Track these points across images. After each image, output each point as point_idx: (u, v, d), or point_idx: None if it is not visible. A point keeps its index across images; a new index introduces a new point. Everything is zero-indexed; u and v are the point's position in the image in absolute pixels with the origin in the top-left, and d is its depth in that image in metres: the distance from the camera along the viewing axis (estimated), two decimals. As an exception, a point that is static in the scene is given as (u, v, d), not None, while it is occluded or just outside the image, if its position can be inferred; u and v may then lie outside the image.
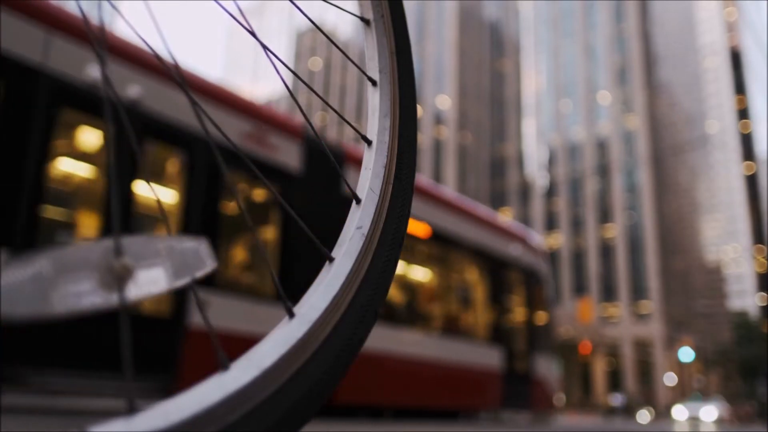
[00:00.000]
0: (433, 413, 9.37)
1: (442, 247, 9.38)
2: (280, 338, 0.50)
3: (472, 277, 10.10)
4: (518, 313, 10.87)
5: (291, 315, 0.53)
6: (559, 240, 66.08)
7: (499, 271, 10.35)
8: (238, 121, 6.39)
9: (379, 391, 7.79)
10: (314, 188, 7.00)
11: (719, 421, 35.14)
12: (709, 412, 37.22)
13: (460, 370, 9.12)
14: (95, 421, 0.40)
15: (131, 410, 0.37)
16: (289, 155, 6.77)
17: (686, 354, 45.14)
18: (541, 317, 11.38)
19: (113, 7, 0.57)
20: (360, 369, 7.19)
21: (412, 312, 8.93)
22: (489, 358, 9.72)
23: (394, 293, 8.64)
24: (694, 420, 36.50)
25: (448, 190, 54.89)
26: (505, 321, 10.52)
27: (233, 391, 0.42)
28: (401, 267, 8.75)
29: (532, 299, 11.13)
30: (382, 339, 7.84)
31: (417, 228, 8.71)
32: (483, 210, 10.91)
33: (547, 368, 11.30)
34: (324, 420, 6.53)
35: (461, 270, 9.99)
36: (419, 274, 9.22)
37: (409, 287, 9.05)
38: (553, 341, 12.29)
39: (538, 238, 12.51)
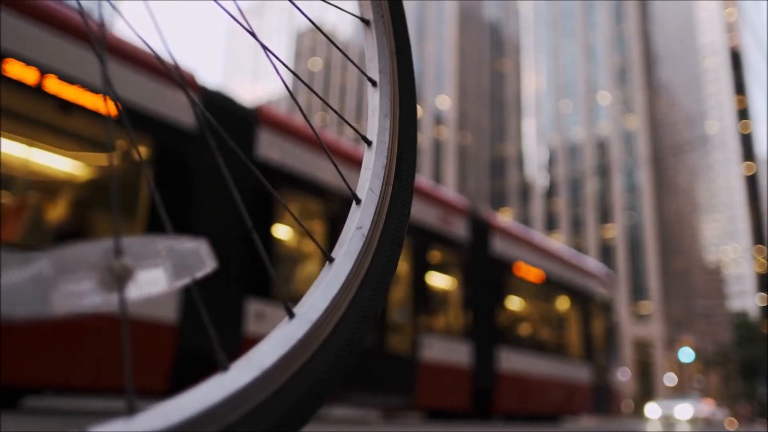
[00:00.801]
0: (541, 418, 11.71)
1: (551, 288, 12.08)
2: (280, 338, 0.50)
3: (568, 309, 12.67)
4: (598, 335, 13.38)
5: (291, 315, 0.53)
6: (559, 240, 66.08)
7: (585, 304, 13.00)
8: (435, 209, 8.74)
9: (520, 402, 10.27)
10: (474, 251, 9.26)
11: (694, 421, 32.73)
12: (684, 410, 34.02)
13: (564, 383, 11.71)
14: (95, 421, 0.40)
15: (131, 410, 0.37)
16: (459, 228, 9.04)
17: (686, 354, 45.03)
18: (612, 337, 14.01)
19: (113, 7, 0.57)
20: (511, 384, 9.97)
21: (535, 340, 11.37)
22: (582, 373, 12.40)
23: (525, 325, 11.37)
24: (667, 418, 33.94)
25: (449, 190, 54.89)
26: (591, 342, 13.01)
27: (233, 391, 0.42)
28: (530, 305, 11.52)
29: (606, 323, 13.74)
30: (523, 362, 10.48)
31: (536, 274, 11.47)
32: (575, 256, 13.73)
33: (619, 379, 14.17)
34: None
35: (562, 304, 12.54)
36: (538, 310, 11.81)
37: (533, 320, 11.65)
38: (621, 357, 15.31)
39: (610, 275, 15.35)
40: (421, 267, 8.68)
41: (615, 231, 64.30)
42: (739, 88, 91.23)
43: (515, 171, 76.68)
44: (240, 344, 5.84)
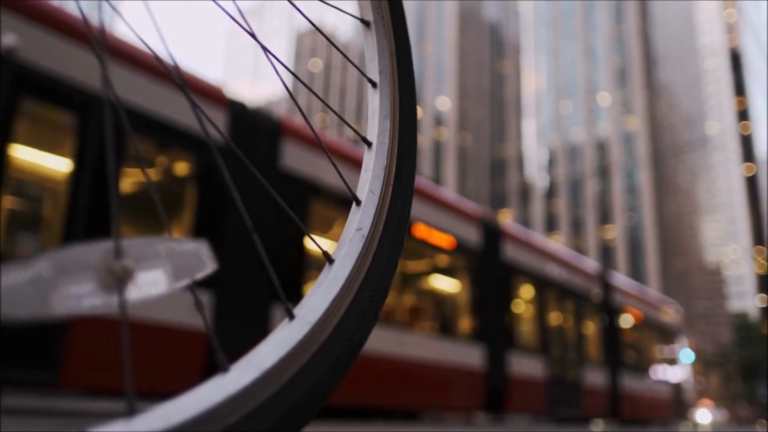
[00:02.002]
0: (632, 421, 14.05)
1: (647, 327, 15.76)
2: (280, 340, 0.50)
3: (656, 339, 16.60)
4: (669, 355, 17.54)
5: (291, 316, 0.53)
6: (559, 241, 66.06)
7: (665, 335, 17.24)
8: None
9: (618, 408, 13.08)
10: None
11: (714, 424, 32.55)
12: (705, 414, 33.89)
13: (653, 397, 15.38)
14: (95, 422, 0.40)
15: (131, 411, 0.37)
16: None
17: (686, 355, 44.94)
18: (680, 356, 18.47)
19: (113, 8, 0.57)
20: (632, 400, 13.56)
21: (636, 367, 14.63)
22: (663, 387, 16.40)
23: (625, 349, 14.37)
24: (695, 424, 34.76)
25: (449, 191, 54.85)
26: (664, 361, 17.17)
27: (233, 392, 0.42)
28: (631, 342, 14.60)
29: (675, 343, 18.06)
30: (631, 382, 13.79)
31: (637, 315, 14.87)
32: (659, 297, 17.84)
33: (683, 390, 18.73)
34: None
35: (653, 337, 16.39)
36: (638, 344, 15.20)
37: (636, 352, 14.95)
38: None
39: (677, 307, 19.26)
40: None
41: (615, 232, 64.29)
42: (739, 89, 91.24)
43: (515, 172, 76.69)
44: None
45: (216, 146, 0.54)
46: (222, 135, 0.53)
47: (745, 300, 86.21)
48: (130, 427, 0.36)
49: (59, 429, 3.24)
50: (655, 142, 68.65)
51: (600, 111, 69.81)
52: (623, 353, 13.77)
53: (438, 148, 73.00)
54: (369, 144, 0.73)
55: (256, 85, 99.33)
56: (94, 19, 0.80)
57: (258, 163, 6.39)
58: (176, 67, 0.57)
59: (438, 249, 8.72)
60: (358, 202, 0.68)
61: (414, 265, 8.65)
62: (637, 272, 61.81)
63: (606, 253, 63.57)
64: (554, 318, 11.48)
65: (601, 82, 70.35)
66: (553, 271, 11.46)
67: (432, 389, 8.10)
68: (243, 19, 0.64)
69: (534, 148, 75.48)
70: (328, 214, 7.29)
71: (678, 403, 17.32)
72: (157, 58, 0.56)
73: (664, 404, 16.13)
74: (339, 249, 0.63)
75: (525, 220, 69.43)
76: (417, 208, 8.09)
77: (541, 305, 11.13)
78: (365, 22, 0.79)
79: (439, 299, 9.07)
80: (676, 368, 17.63)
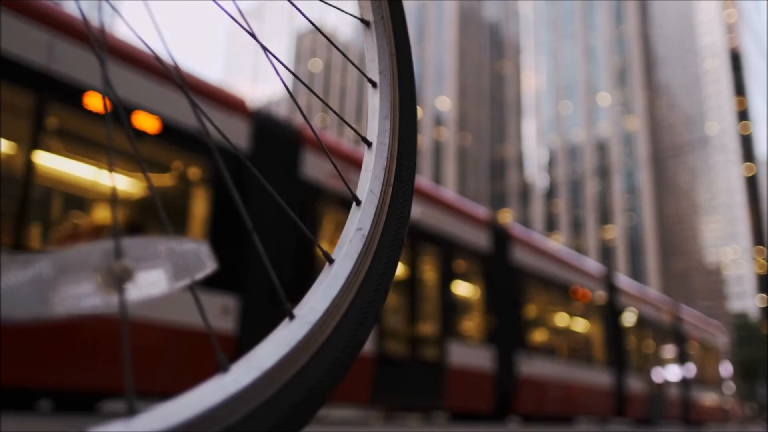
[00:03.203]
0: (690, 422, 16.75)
1: (700, 344, 19.13)
2: (280, 340, 0.50)
3: (710, 354, 20.08)
4: (718, 367, 21.11)
5: (291, 317, 0.53)
6: (559, 241, 66.06)
7: (717, 354, 20.94)
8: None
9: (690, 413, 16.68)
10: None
11: None
12: None
13: (710, 404, 18.85)
14: (95, 422, 0.37)
15: (131, 412, 0.37)
16: (481, 239, 9.56)
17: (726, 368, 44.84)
18: (723, 368, 21.65)
19: (113, 8, 0.57)
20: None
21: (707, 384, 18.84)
22: (717, 395, 19.86)
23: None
24: None
25: (450, 191, 54.81)
26: (719, 374, 20.97)
27: (233, 392, 0.42)
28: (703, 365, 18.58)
29: (720, 359, 21.55)
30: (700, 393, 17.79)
31: (695, 340, 18.48)
32: (706, 319, 21.30)
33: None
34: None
35: (708, 353, 19.94)
36: (710, 365, 19.68)
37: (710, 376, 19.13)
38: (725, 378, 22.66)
39: (720, 327, 23.10)
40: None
41: (615, 232, 64.29)
42: (739, 89, 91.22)
43: (515, 172, 76.69)
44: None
45: (216, 147, 0.54)
46: (223, 136, 0.53)
47: (745, 300, 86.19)
48: (130, 427, 0.36)
49: (59, 429, 3.24)
50: (655, 142, 68.66)
51: (600, 111, 69.80)
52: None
53: (438, 148, 72.99)
54: (369, 144, 0.73)
55: (256, 85, 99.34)
56: (94, 20, 0.79)
57: (281, 171, 6.64)
58: (176, 67, 0.57)
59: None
60: (358, 202, 0.68)
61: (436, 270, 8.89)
62: (637, 272, 61.79)
63: (606, 254, 63.57)
64: (566, 320, 11.93)
65: (601, 83, 70.34)
66: (567, 276, 11.84)
67: (448, 390, 8.25)
68: (243, 20, 0.64)
69: (534, 149, 75.48)
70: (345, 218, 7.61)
71: (724, 408, 20.83)
72: (158, 59, 0.55)
73: (718, 409, 19.84)
74: (339, 249, 0.63)
75: (525, 221, 69.42)
76: (434, 215, 8.56)
77: (551, 308, 11.45)
78: (365, 22, 0.79)
79: (457, 303, 9.21)
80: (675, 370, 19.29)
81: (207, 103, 6.06)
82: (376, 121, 0.75)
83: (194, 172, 5.89)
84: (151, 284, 0.40)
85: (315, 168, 6.97)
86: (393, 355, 7.57)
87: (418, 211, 8.17)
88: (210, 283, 5.29)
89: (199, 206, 5.77)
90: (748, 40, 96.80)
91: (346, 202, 7.37)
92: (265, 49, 0.63)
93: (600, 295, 12.92)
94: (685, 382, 16.30)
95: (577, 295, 12.06)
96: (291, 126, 6.86)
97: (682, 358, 16.47)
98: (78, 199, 5.06)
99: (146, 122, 5.35)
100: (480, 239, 9.46)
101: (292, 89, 0.64)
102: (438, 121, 74.00)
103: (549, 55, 76.35)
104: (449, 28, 76.18)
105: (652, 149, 66.79)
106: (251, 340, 5.46)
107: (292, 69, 0.66)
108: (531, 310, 10.75)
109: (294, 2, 0.77)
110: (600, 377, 12.16)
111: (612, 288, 13.38)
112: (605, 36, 71.23)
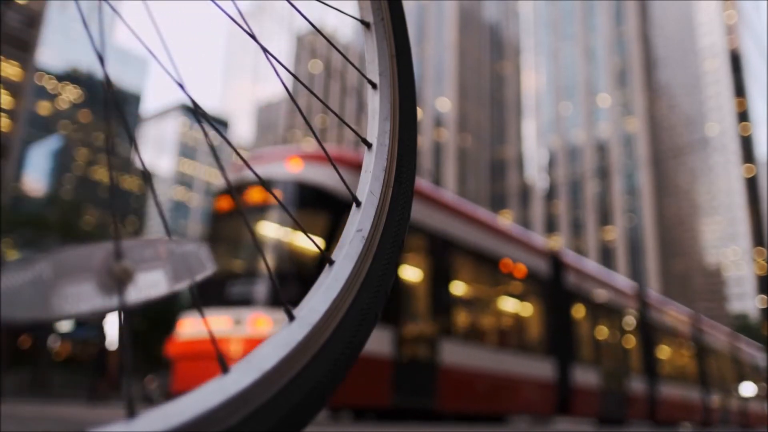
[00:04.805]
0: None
1: (747, 363, 21.99)
2: (281, 341, 0.50)
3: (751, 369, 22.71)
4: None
5: (291, 318, 0.53)
6: (559, 242, 66.05)
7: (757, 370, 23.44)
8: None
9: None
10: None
11: None
12: None
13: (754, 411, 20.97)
14: (95, 423, 0.39)
15: (131, 413, 0.37)
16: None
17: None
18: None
19: (113, 9, 0.57)
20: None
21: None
22: (762, 403, 22.45)
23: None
24: None
25: (449, 192, 54.84)
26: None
27: (234, 393, 0.42)
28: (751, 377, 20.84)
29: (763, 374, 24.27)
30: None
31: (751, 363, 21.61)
32: (749, 344, 23.56)
33: None
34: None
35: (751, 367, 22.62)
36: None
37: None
38: None
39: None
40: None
41: (615, 233, 64.27)
42: (739, 90, 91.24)
43: (515, 173, 76.68)
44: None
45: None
46: (228, 142, 0.58)
47: (745, 301, 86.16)
48: (130, 428, 0.36)
49: (59, 430, 3.23)
50: (655, 143, 68.66)
51: (600, 112, 69.81)
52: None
53: (438, 149, 72.99)
54: (369, 145, 0.73)
55: (256, 86, 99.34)
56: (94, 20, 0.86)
57: (555, 285, 11.22)
58: (174, 66, 0.57)
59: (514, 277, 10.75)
60: (358, 204, 0.68)
61: (500, 292, 10.62)
62: (637, 274, 61.75)
63: (606, 255, 63.55)
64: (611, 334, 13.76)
65: (601, 84, 70.35)
66: (613, 299, 13.77)
67: (516, 397, 9.76)
68: (243, 20, 0.64)
69: (534, 150, 75.48)
70: (592, 312, 12.49)
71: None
72: (156, 58, 0.56)
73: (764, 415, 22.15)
74: (339, 250, 0.63)
75: (525, 222, 69.41)
76: (500, 246, 10.36)
77: (596, 324, 13.12)
78: (365, 24, 0.79)
79: (519, 320, 10.92)
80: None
81: (522, 246, 10.51)
82: (376, 123, 0.75)
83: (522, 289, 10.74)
84: (151, 285, 0.39)
85: (571, 281, 11.67)
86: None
87: (499, 246, 10.12)
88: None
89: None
90: (748, 41, 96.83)
91: (589, 300, 11.29)
92: (264, 50, 0.63)
93: (632, 308, 14.37)
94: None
95: (611, 310, 13.84)
96: (560, 254, 11.68)
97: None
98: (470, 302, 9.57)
99: (517, 269, 10.20)
100: (541, 266, 11.16)
101: (292, 90, 0.64)
102: (438, 122, 74.00)
103: (549, 55, 76.37)
104: (449, 28, 76.20)
105: (652, 150, 66.79)
106: (406, 368, 7.46)
107: (291, 70, 0.66)
108: (580, 325, 12.30)
109: (294, 3, 0.77)
110: (663, 388, 14.58)
111: (644, 303, 15.01)
112: (605, 37, 71.25)
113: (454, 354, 8.25)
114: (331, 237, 6.83)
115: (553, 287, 11.29)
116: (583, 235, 66.52)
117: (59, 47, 77.95)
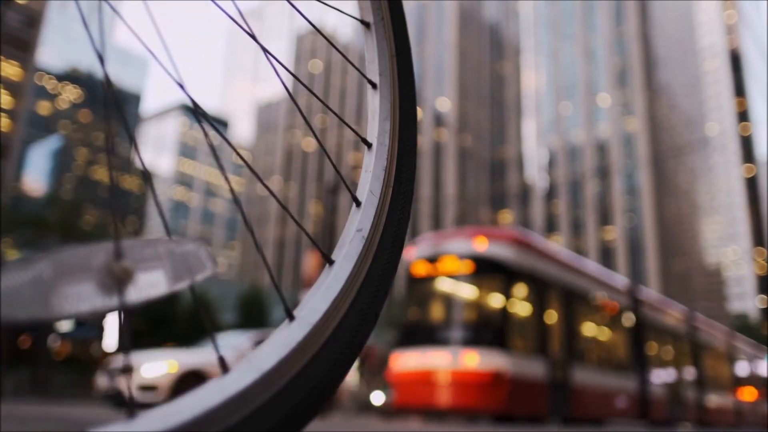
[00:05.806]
0: None
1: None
2: (281, 341, 0.50)
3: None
4: None
5: (291, 318, 0.53)
6: (559, 242, 66.04)
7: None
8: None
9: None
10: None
11: None
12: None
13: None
14: (95, 423, 0.37)
15: (131, 413, 0.37)
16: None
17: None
18: None
19: (113, 9, 0.57)
20: None
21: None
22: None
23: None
24: None
25: (451, 192, 54.67)
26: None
27: (233, 393, 0.42)
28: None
29: None
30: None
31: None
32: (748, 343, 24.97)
33: None
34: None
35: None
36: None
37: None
38: None
39: None
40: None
41: (615, 233, 64.28)
42: (739, 90, 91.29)
43: (515, 173, 76.69)
44: None
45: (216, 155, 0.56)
46: (229, 143, 0.57)
47: (745, 301, 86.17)
48: (130, 428, 0.36)
49: (59, 430, 3.23)
50: (655, 143, 68.65)
51: (600, 112, 69.81)
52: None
53: (438, 149, 73.00)
54: (369, 145, 0.73)
55: (256, 87, 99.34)
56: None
57: (634, 315, 13.78)
58: (174, 66, 0.57)
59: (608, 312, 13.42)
60: (358, 204, 0.68)
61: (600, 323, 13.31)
62: (637, 273, 61.74)
63: (606, 255, 63.55)
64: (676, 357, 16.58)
65: (601, 84, 70.35)
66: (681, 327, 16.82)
67: (614, 404, 12.30)
68: (243, 20, 0.64)
69: (534, 150, 75.47)
70: (659, 336, 15.14)
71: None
72: (156, 58, 0.56)
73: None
74: (339, 250, 0.62)
75: (525, 222, 69.41)
76: (602, 289, 13.09)
77: (662, 345, 15.73)
78: (365, 24, 0.79)
79: (612, 345, 13.63)
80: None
81: (612, 289, 13.29)
82: (376, 123, 0.75)
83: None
84: (151, 285, 0.39)
85: (648, 316, 14.47)
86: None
87: (601, 290, 12.81)
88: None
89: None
90: (748, 41, 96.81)
91: (665, 331, 16.68)
92: (264, 50, 0.63)
93: (685, 329, 17.08)
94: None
95: (671, 332, 16.57)
96: (638, 293, 14.35)
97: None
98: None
99: (611, 306, 12.90)
100: (624, 301, 13.80)
101: (292, 90, 0.64)
102: (438, 121, 74.00)
103: (549, 55, 76.37)
104: (449, 28, 76.20)
105: (652, 150, 66.79)
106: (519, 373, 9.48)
107: (292, 70, 0.66)
108: (651, 347, 14.98)
109: (294, 3, 0.77)
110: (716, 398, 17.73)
111: (692, 326, 17.58)
112: (605, 37, 71.25)
113: (580, 375, 10.98)
114: (509, 299, 9.71)
115: (633, 317, 14.01)
116: (583, 234, 66.53)
117: (59, 47, 77.96)
